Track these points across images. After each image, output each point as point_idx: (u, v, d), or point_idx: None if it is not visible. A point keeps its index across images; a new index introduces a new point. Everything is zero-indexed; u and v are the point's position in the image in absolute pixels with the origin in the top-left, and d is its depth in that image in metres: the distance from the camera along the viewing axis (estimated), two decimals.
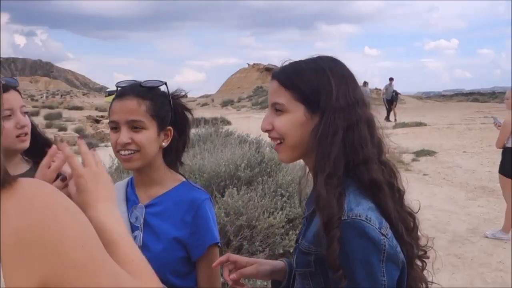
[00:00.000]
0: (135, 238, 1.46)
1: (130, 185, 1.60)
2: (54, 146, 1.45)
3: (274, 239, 4.02)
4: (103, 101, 58.68)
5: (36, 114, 40.41)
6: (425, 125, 17.66)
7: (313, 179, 1.19)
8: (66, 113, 40.40)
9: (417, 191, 7.60)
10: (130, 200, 1.56)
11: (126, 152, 1.45)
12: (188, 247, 1.49)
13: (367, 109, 1.23)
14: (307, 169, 1.30)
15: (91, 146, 1.10)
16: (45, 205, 0.70)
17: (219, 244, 1.55)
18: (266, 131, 1.24)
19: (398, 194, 1.22)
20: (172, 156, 1.59)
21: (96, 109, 41.51)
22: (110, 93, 67.05)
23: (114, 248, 0.86)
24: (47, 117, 34.88)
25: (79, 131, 20.31)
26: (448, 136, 14.30)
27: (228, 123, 16.88)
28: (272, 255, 3.95)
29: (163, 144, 1.52)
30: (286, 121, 1.20)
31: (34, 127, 1.88)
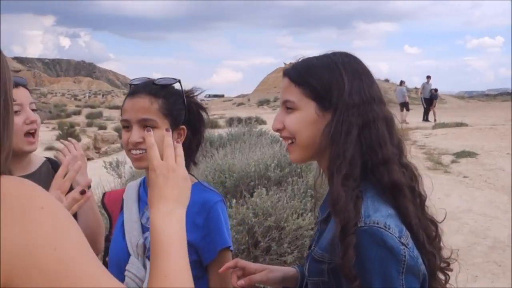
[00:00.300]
0: (145, 239, 1.42)
1: (143, 185, 1.56)
2: (68, 157, 1.42)
3: (303, 241, 3.93)
4: None
5: (78, 113, 41.69)
6: (466, 125, 17.07)
7: (328, 180, 1.12)
8: (106, 112, 41.46)
9: (456, 194, 7.32)
10: (142, 201, 1.52)
11: (137, 152, 1.41)
12: (199, 251, 1.43)
13: (385, 107, 1.15)
14: (321, 170, 1.24)
15: None
16: (17, 202, 0.67)
17: (231, 249, 1.49)
18: (277, 130, 1.18)
19: (419, 199, 1.14)
20: (186, 155, 1.54)
21: None
22: None
23: (160, 254, 0.82)
24: (88, 116, 35.93)
25: (118, 130, 20.76)
26: (490, 137, 13.75)
27: (263, 122, 16.85)
28: (301, 257, 3.87)
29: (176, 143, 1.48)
30: (296, 119, 1.14)
31: None
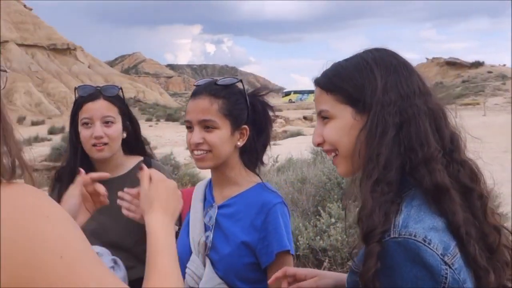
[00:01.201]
0: (206, 238, 1.45)
1: (209, 185, 1.60)
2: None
3: None
4: (281, 101, 61.56)
5: None
6: None
7: (360, 187, 1.02)
8: None
9: None
10: (207, 200, 1.55)
11: (199, 152, 1.45)
12: (257, 253, 1.42)
13: (432, 98, 1.03)
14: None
15: None
16: (22, 211, 0.69)
17: (292, 252, 1.44)
18: (318, 145, 1.11)
19: (480, 202, 0.98)
20: (251, 156, 1.54)
21: None
22: (286, 94, 70.36)
23: (154, 258, 0.92)
24: None
25: None
26: None
27: None
28: None
29: (238, 143, 1.49)
30: (334, 129, 1.06)
31: (137, 129, 1.93)
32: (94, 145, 1.76)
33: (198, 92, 1.48)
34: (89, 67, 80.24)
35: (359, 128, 1.02)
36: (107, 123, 1.77)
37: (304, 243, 4.19)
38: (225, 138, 1.45)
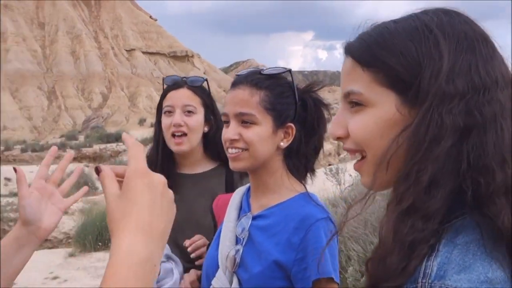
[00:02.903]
0: (236, 252, 1.24)
1: (247, 192, 1.38)
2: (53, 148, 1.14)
3: None
4: None
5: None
6: None
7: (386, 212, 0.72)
8: None
9: None
10: (243, 208, 1.34)
11: (234, 150, 1.24)
12: (291, 277, 1.17)
13: None
14: None
15: None
16: None
17: (336, 280, 1.17)
18: (338, 138, 0.77)
19: None
20: (298, 161, 1.29)
21: None
22: None
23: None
24: None
25: None
26: None
27: None
28: None
29: (282, 144, 1.25)
30: (366, 121, 0.72)
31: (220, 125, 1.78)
32: (173, 135, 1.68)
33: (238, 81, 1.27)
34: (204, 73, 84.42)
35: (402, 126, 0.69)
36: (188, 112, 1.69)
37: (352, 273, 3.42)
38: (265, 136, 1.22)
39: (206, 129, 1.75)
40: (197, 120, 1.71)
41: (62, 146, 25.94)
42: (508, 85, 0.68)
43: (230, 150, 1.25)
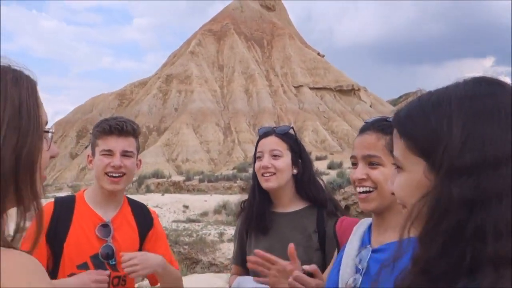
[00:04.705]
0: (353, 281, 1.34)
1: (369, 227, 1.48)
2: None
3: None
4: None
5: None
6: None
7: None
8: None
9: None
10: (364, 240, 1.44)
11: (362, 189, 1.38)
12: None
13: None
14: None
15: None
16: (7, 274, 0.72)
17: None
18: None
19: None
20: None
21: None
22: None
23: None
24: None
25: None
26: None
27: None
28: None
29: None
30: (401, 182, 0.84)
31: (308, 167, 2.04)
32: (262, 175, 1.95)
33: (365, 128, 1.44)
34: (370, 106, 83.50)
35: (427, 190, 0.76)
36: (274, 156, 1.95)
37: None
38: (390, 176, 1.29)
39: (295, 171, 1.98)
40: (283, 162, 1.95)
41: (233, 178, 28.12)
42: None
43: (358, 189, 1.39)
